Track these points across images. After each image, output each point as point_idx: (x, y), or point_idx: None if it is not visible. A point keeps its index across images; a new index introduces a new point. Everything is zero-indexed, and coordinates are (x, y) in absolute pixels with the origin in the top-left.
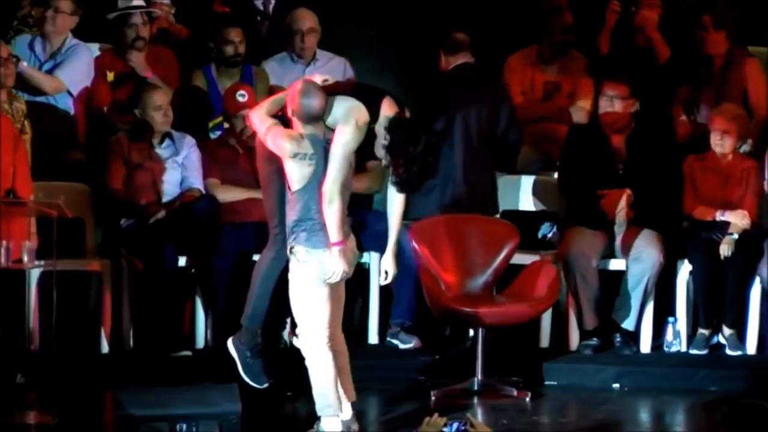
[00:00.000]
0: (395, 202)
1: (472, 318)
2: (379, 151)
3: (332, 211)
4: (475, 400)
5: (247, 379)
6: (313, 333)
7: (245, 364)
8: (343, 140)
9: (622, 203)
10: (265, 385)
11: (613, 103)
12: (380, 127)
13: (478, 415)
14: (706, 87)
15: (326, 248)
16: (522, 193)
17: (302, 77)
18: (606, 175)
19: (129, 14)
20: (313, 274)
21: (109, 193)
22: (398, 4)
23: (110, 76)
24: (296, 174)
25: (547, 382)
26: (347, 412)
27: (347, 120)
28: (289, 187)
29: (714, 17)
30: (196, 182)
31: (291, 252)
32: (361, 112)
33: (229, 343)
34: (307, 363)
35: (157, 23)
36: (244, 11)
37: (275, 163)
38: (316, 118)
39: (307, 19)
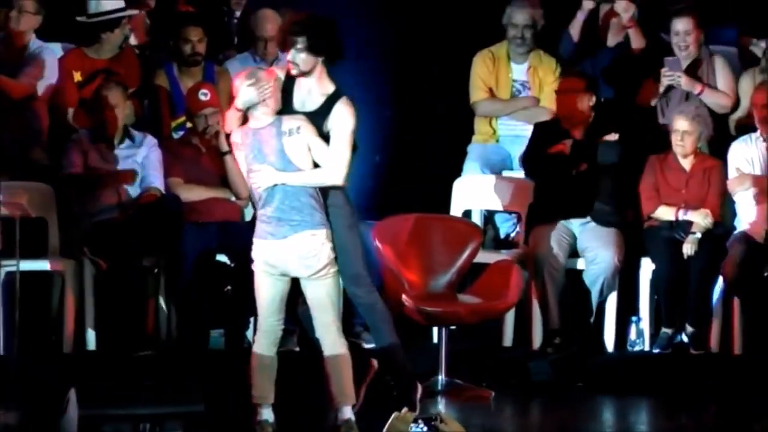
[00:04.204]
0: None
1: (435, 317)
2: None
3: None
4: (439, 399)
5: None
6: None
7: None
8: None
9: None
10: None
11: (569, 97)
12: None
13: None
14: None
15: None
16: (485, 193)
17: None
18: (565, 171)
19: (120, 18)
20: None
21: (67, 178)
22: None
23: (77, 75)
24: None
25: (510, 381)
26: (342, 415)
27: None
28: None
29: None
30: (156, 182)
31: None
32: None
33: None
34: None
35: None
36: (209, 11)
37: None
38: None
39: (270, 27)
